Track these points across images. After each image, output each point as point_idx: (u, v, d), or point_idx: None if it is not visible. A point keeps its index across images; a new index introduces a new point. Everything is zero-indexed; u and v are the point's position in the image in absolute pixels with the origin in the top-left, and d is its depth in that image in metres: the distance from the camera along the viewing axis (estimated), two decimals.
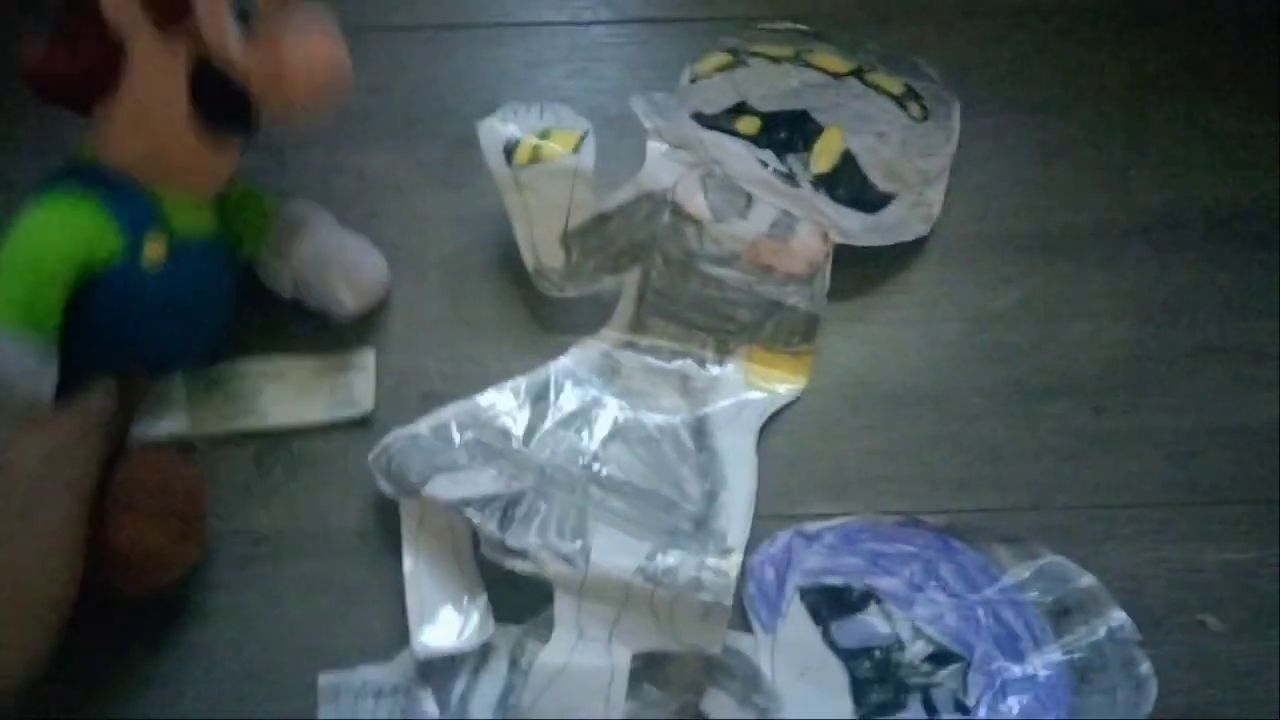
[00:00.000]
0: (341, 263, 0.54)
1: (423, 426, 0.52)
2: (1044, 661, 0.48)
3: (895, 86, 0.62)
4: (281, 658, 0.49)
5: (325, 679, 0.47)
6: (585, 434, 0.53)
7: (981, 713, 0.47)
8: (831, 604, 0.50)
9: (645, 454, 0.52)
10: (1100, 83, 0.65)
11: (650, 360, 0.55)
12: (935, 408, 0.55)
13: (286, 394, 0.54)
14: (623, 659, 0.46)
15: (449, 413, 0.53)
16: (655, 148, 0.54)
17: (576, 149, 0.53)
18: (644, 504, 0.50)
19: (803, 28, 0.66)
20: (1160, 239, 0.60)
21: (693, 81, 0.63)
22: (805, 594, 0.49)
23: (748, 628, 0.49)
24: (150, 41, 0.45)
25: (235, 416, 0.53)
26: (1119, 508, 0.52)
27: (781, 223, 0.55)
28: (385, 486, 0.50)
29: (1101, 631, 0.48)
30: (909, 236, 0.58)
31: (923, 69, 0.64)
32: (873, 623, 0.49)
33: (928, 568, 0.50)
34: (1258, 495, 0.53)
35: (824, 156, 0.58)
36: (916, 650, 0.49)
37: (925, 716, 0.47)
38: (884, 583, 0.50)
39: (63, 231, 0.45)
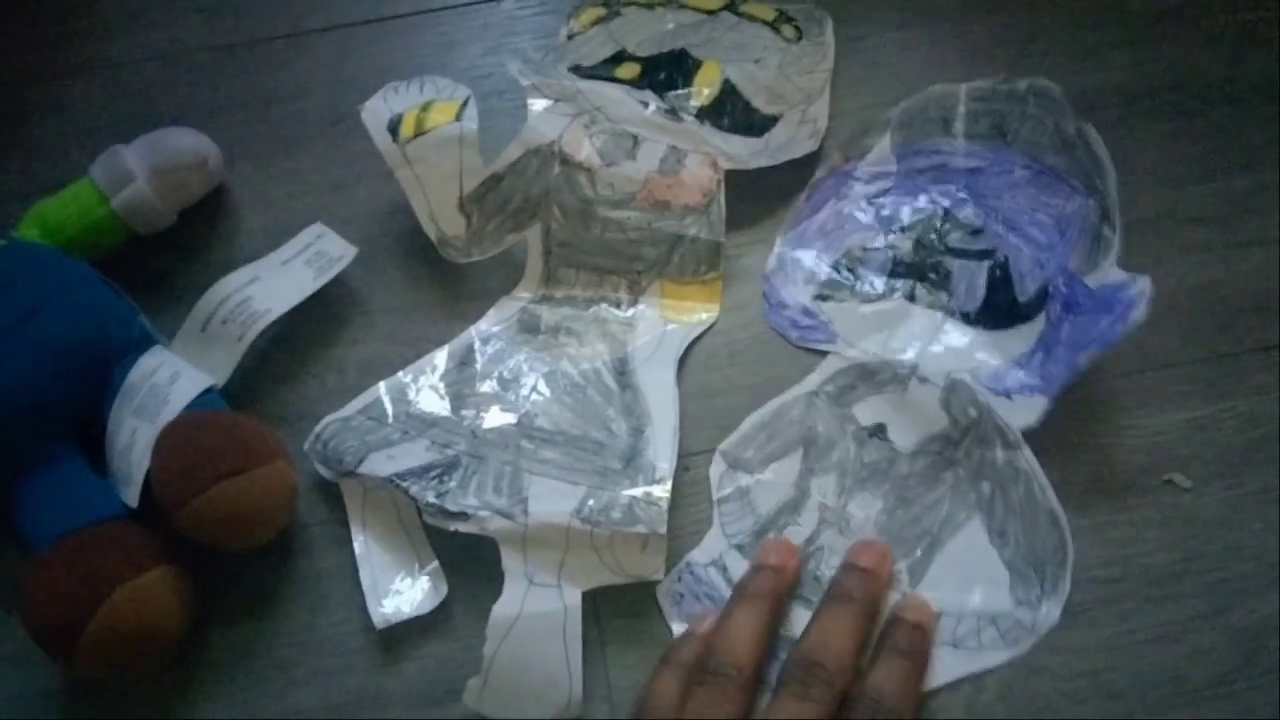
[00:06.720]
0: (153, 145, 0.56)
1: (353, 407, 0.53)
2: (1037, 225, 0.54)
3: (768, 14, 0.63)
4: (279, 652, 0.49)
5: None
6: (512, 392, 0.53)
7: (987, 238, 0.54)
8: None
9: (572, 402, 0.52)
10: None
11: (567, 310, 0.55)
12: None
13: (272, 286, 0.53)
14: (574, 598, 0.47)
15: (379, 390, 0.53)
16: (535, 104, 0.55)
17: (458, 116, 0.53)
18: (575, 450, 0.50)
19: None
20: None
21: (570, 38, 0.63)
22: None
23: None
24: None
25: (245, 330, 0.52)
26: (1076, 387, 0.51)
27: (670, 158, 0.55)
28: (324, 471, 0.51)
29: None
30: (798, 154, 0.58)
31: None
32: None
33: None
34: (1206, 353, 0.53)
35: (704, 89, 0.58)
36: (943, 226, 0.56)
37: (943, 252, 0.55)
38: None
39: None
